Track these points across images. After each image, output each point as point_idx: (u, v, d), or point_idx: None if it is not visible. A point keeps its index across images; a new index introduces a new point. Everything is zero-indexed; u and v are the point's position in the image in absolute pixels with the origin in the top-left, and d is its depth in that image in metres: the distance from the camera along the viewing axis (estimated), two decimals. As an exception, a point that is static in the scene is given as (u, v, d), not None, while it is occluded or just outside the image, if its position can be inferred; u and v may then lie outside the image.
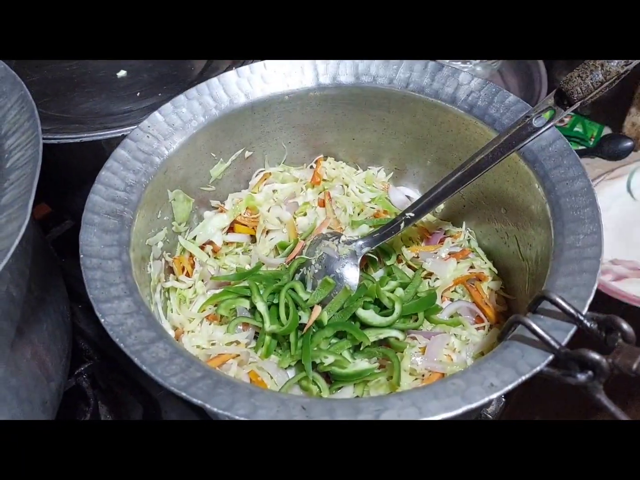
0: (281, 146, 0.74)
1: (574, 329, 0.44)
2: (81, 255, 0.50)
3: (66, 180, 0.75)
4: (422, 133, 0.70)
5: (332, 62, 0.68)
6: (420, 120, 0.69)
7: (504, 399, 0.63)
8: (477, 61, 1.00)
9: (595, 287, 0.47)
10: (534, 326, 0.43)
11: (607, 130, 1.05)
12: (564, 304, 0.44)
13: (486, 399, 0.41)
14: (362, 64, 0.67)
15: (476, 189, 0.69)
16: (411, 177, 0.76)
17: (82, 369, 0.71)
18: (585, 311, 0.45)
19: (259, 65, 0.68)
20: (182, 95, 0.64)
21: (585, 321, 0.44)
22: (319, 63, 0.68)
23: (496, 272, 0.68)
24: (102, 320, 0.46)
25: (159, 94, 0.75)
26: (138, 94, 0.76)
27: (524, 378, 0.42)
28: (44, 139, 0.47)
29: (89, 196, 0.55)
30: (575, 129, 1.04)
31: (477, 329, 0.62)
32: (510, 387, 0.42)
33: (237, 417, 0.41)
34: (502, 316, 0.64)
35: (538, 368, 0.42)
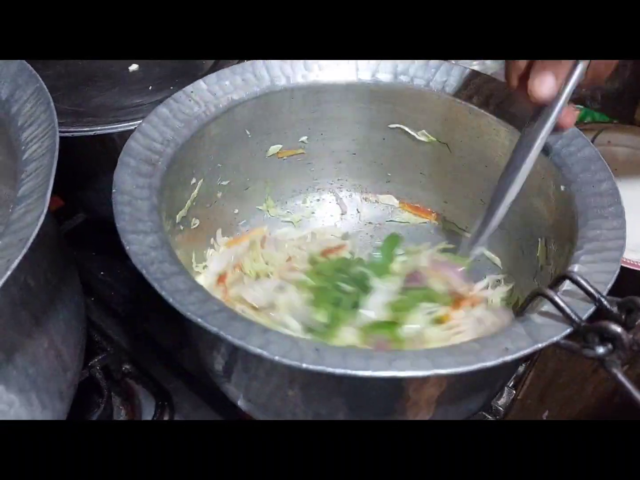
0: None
1: (593, 307, 0.44)
2: (114, 190, 0.51)
3: (79, 173, 0.76)
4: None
5: (372, 61, 0.70)
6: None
7: (514, 392, 0.62)
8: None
9: (616, 274, 0.47)
10: (556, 298, 0.43)
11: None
12: (584, 283, 0.44)
13: (500, 360, 0.41)
14: (401, 65, 0.70)
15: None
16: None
17: (96, 360, 0.71)
18: (605, 293, 0.45)
19: (302, 54, 0.70)
20: (227, 69, 0.67)
21: (605, 302, 0.44)
22: (359, 61, 0.70)
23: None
24: (127, 247, 0.47)
25: (172, 87, 0.75)
26: (150, 87, 0.77)
27: (540, 345, 0.42)
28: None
29: (127, 142, 0.57)
30: (585, 121, 1.04)
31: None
32: (525, 352, 0.42)
33: (250, 348, 0.41)
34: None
35: (555, 338, 0.42)
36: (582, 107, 1.17)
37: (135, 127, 0.60)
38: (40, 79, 0.53)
